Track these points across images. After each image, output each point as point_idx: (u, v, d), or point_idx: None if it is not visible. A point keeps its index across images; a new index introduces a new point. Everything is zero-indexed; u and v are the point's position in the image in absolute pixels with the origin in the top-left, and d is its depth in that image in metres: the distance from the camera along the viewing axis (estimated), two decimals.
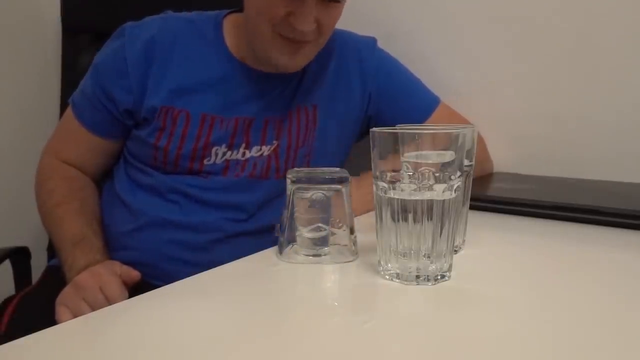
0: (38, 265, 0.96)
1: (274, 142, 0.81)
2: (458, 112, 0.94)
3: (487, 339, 0.36)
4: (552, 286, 0.45)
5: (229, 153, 0.78)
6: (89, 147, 0.83)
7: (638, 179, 0.84)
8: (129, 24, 0.81)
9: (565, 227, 0.65)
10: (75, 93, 0.85)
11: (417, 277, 0.44)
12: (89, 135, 0.82)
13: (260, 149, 0.80)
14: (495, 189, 0.82)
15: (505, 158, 0.97)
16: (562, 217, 0.67)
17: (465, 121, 0.93)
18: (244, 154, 0.79)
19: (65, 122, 0.86)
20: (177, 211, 0.77)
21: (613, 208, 0.65)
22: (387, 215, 0.45)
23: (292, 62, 0.76)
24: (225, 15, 0.84)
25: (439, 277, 0.45)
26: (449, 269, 0.46)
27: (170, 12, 0.84)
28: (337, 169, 0.56)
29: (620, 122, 0.87)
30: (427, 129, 0.45)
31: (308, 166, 0.84)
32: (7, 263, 0.94)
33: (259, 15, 0.72)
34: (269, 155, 0.81)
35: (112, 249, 0.78)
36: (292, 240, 0.53)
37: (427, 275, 0.44)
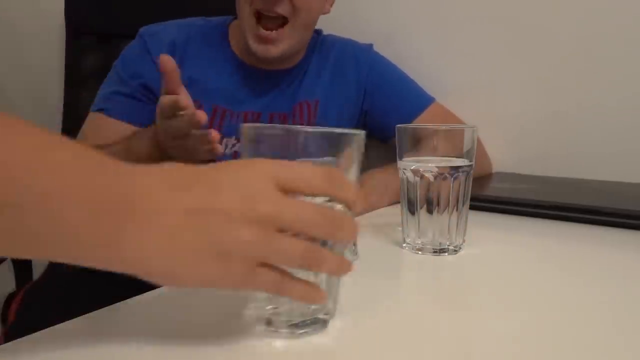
0: (39, 263, 0.97)
1: None
2: (453, 112, 0.95)
3: (487, 338, 0.36)
4: (552, 286, 0.45)
5: (238, 145, 0.81)
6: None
7: (638, 179, 0.84)
8: (145, 28, 0.86)
9: (565, 227, 0.65)
10: (99, 100, 0.84)
11: (288, 321, 0.35)
12: (124, 125, 0.81)
13: None
14: (495, 189, 0.83)
15: (505, 158, 0.97)
16: (562, 217, 0.68)
17: (459, 121, 0.95)
18: None
19: (88, 128, 0.84)
20: None
21: (613, 208, 0.65)
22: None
23: (265, 50, 0.79)
24: (230, 22, 0.90)
25: (311, 322, 0.35)
26: (332, 310, 0.36)
27: (176, 20, 0.89)
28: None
29: (620, 122, 0.88)
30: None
31: None
32: (8, 261, 0.94)
33: None
34: None
35: None
36: None
37: (303, 321, 0.35)
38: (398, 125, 0.54)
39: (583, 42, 0.90)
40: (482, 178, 0.91)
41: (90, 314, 0.39)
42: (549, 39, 0.92)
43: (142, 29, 0.87)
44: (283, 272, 0.31)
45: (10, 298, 0.80)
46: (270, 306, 0.35)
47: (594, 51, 0.89)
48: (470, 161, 0.53)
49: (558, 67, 0.92)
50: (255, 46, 0.79)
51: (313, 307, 0.34)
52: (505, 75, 0.97)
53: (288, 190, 0.30)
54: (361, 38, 0.99)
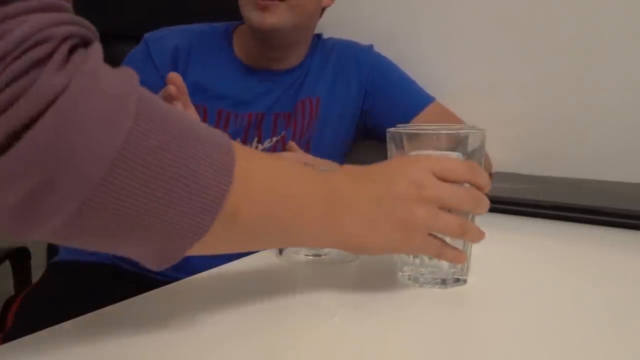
0: (38, 265, 0.96)
1: (283, 132, 0.88)
2: (452, 112, 0.95)
3: (486, 338, 0.36)
4: (552, 286, 0.45)
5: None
6: None
7: (638, 179, 0.84)
8: (149, 34, 0.88)
9: (565, 227, 0.65)
10: None
11: (433, 279, 0.44)
12: None
13: (271, 141, 0.88)
14: (495, 189, 0.82)
15: (505, 158, 0.97)
16: (562, 217, 0.67)
17: (459, 120, 0.95)
18: (256, 147, 0.87)
19: None
20: None
21: (613, 208, 0.65)
22: None
23: (262, 17, 0.80)
24: (234, 28, 0.92)
25: (454, 281, 0.44)
26: (466, 273, 0.45)
27: (181, 26, 0.91)
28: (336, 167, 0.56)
29: (620, 121, 0.88)
30: (432, 129, 0.45)
31: (308, 152, 0.90)
32: (6, 263, 0.94)
33: None
34: (276, 142, 0.88)
35: None
36: None
37: (443, 279, 0.44)
38: (399, 126, 0.53)
39: (583, 42, 0.90)
40: None
41: (90, 314, 0.39)
42: (550, 39, 0.92)
43: (146, 35, 0.88)
44: (443, 240, 0.42)
45: (8, 303, 0.80)
46: (422, 269, 0.45)
47: (594, 51, 0.89)
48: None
49: (558, 68, 0.92)
50: (251, 14, 0.80)
51: (452, 269, 0.44)
52: (506, 75, 0.97)
53: (440, 178, 0.41)
54: (363, 38, 0.99)
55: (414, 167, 0.41)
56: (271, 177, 0.37)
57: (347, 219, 0.39)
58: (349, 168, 0.43)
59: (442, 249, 0.42)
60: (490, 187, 0.44)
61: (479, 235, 0.43)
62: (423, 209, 0.40)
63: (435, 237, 0.42)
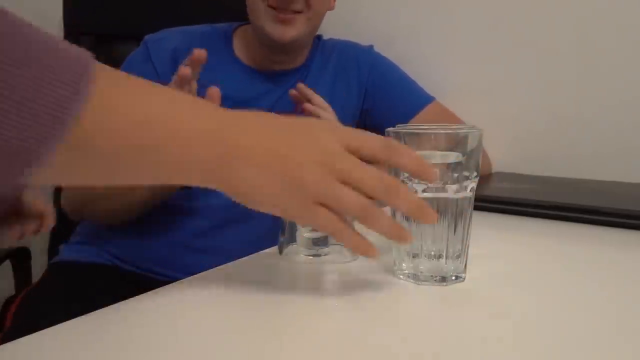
0: (38, 265, 0.96)
1: None
2: (452, 111, 0.96)
3: (486, 336, 0.36)
4: (552, 286, 0.45)
5: None
6: None
7: (638, 179, 0.84)
8: (149, 36, 0.88)
9: (565, 227, 0.65)
10: None
11: (432, 277, 0.45)
12: None
13: None
14: (495, 189, 0.82)
15: (505, 158, 0.97)
16: (562, 217, 0.67)
17: (459, 121, 0.95)
18: None
19: None
20: (182, 197, 0.81)
21: (613, 208, 0.65)
22: (399, 214, 0.45)
23: (282, 31, 0.82)
24: (235, 29, 0.92)
25: (453, 278, 0.45)
26: (464, 270, 0.46)
27: (182, 27, 0.91)
28: None
29: (620, 121, 0.88)
30: (431, 129, 0.45)
31: None
32: (7, 263, 0.94)
33: None
34: None
35: (113, 235, 0.81)
36: (292, 240, 0.53)
37: (442, 276, 0.45)
38: (399, 126, 0.53)
39: (583, 42, 0.90)
40: (482, 178, 0.91)
41: (90, 314, 0.39)
42: (549, 39, 0.92)
43: (146, 37, 0.89)
44: (343, 219, 0.37)
45: (7, 303, 0.80)
46: (421, 267, 0.44)
47: (594, 51, 0.89)
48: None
49: (558, 68, 0.92)
50: (269, 26, 0.81)
51: (451, 267, 0.44)
52: (506, 75, 0.97)
53: (353, 153, 0.37)
54: (364, 39, 0.99)
55: (330, 133, 0.38)
56: (147, 103, 0.33)
57: (239, 162, 0.36)
58: (267, 114, 0.40)
59: (337, 227, 0.37)
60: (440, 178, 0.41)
61: (392, 230, 0.38)
62: (317, 174, 0.36)
63: (336, 213, 0.37)
